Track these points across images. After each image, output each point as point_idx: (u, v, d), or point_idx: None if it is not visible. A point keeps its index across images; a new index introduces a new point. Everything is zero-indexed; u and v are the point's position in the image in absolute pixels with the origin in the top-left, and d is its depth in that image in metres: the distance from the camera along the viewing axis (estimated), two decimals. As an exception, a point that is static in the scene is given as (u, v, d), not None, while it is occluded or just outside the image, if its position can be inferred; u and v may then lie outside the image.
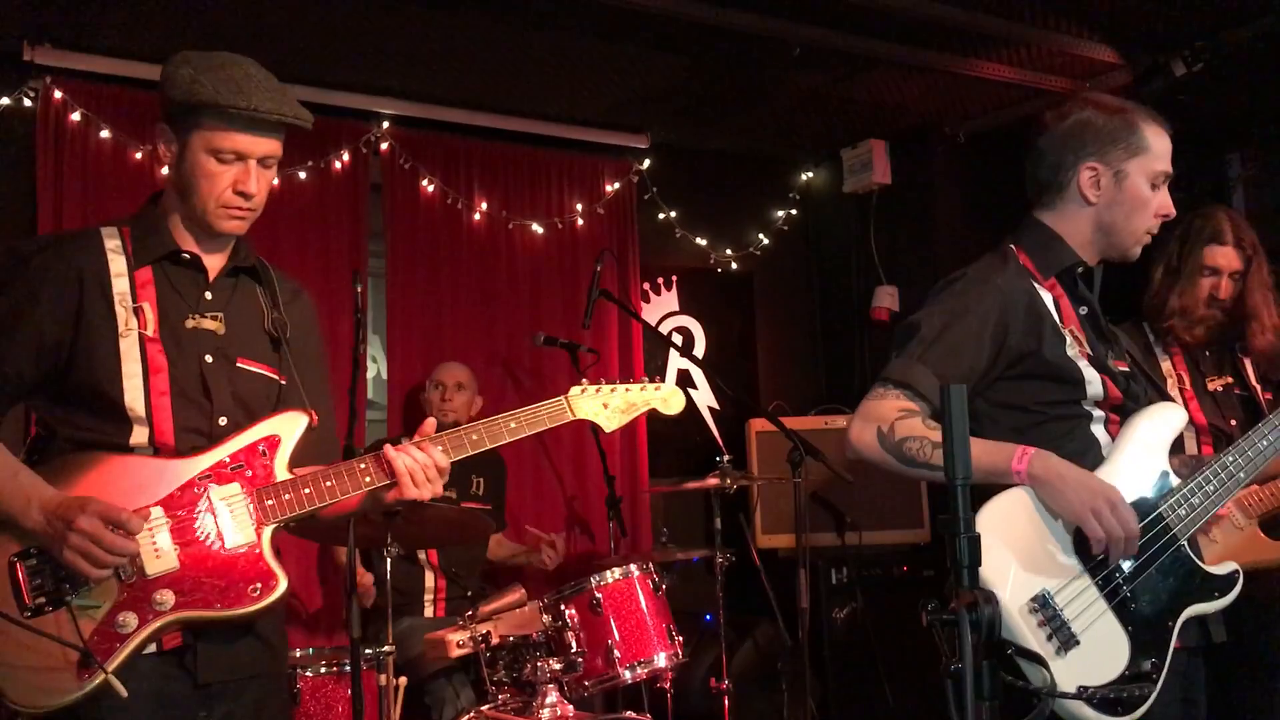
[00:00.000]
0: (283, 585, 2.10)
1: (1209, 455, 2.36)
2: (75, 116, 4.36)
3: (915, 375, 2.21)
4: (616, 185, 5.54)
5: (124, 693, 1.96)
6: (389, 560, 3.59)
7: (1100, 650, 2.06)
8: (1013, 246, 2.39)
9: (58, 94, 4.34)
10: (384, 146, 4.99)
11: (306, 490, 2.15)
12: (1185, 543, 2.19)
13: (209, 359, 2.19)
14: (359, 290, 3.76)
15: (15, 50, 4.27)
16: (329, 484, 2.16)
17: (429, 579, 4.44)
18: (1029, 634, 2.03)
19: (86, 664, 1.96)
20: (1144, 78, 4.76)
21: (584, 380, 2.42)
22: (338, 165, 4.88)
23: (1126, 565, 2.13)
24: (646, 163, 5.61)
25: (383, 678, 3.49)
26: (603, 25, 4.35)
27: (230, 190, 2.16)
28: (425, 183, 5.07)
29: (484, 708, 3.57)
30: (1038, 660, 1.96)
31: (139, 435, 2.10)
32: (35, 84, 4.33)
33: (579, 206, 5.44)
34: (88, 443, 2.11)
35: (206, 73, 2.14)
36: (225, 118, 2.13)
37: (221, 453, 2.14)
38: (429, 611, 4.41)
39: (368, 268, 4.95)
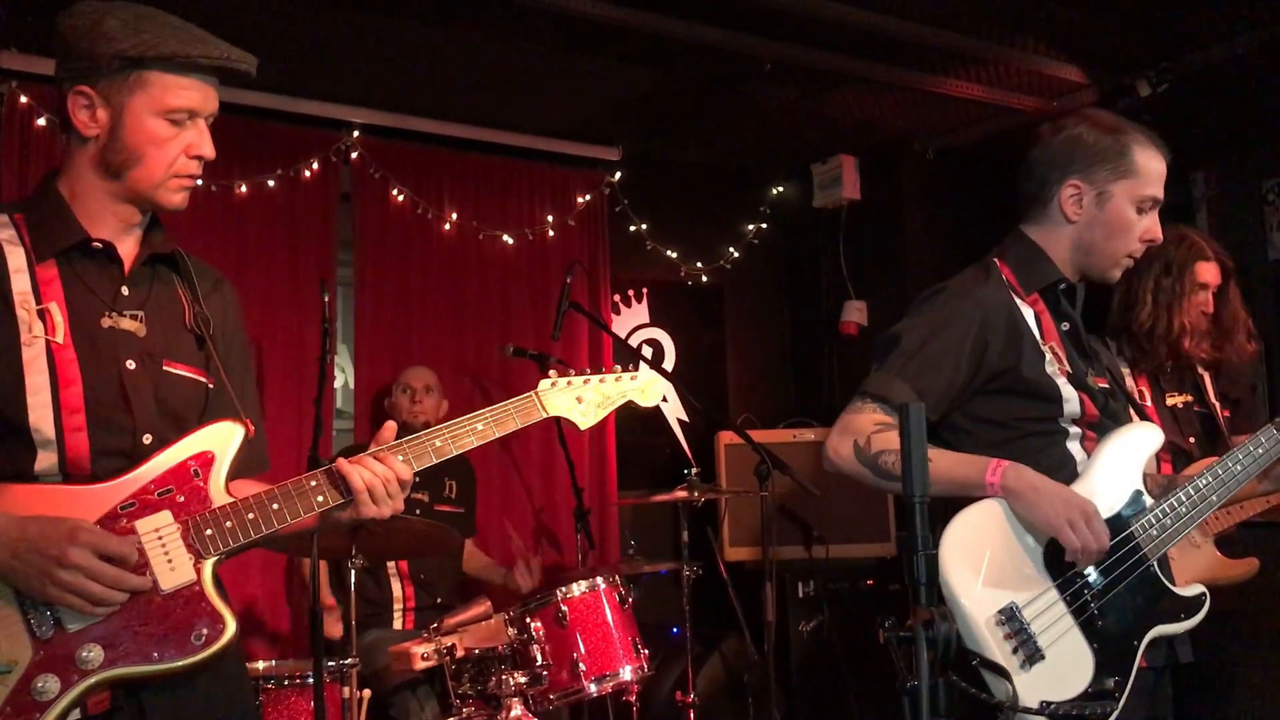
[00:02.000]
0: (231, 629, 1.79)
1: (1182, 476, 2.37)
2: (41, 121, 4.32)
3: (893, 389, 2.20)
4: (587, 197, 5.55)
5: None
6: (353, 572, 3.57)
7: (1065, 665, 2.06)
8: (996, 260, 2.38)
9: (24, 99, 4.30)
10: (354, 155, 4.97)
11: (250, 516, 1.85)
12: (1155, 563, 2.20)
13: (130, 365, 1.87)
14: (326, 300, 3.75)
15: (-19, 54, 4.23)
16: (275, 507, 1.87)
17: (397, 588, 4.42)
18: (994, 646, 2.02)
19: None
20: (1110, 98, 4.82)
21: (553, 373, 2.17)
22: (307, 174, 4.86)
23: (1096, 582, 2.14)
24: (618, 175, 5.62)
25: (346, 690, 3.47)
26: (575, 37, 4.35)
27: (184, 156, 1.90)
28: (395, 192, 5.06)
29: (448, 721, 3.56)
30: (1002, 673, 1.96)
31: (45, 461, 1.79)
32: (1, 88, 4.29)
33: (550, 218, 5.44)
34: None
35: (143, 22, 1.86)
36: (179, 71, 1.85)
37: (145, 475, 1.82)
38: (399, 623, 4.38)
39: (336, 277, 4.93)
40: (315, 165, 4.88)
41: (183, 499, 1.83)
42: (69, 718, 1.71)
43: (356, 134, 4.96)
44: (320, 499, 1.91)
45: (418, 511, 4.46)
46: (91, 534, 1.73)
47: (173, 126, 1.88)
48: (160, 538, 1.80)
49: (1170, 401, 3.20)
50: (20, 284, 1.82)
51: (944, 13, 4.31)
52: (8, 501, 1.76)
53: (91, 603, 1.72)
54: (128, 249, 1.94)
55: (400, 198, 5.07)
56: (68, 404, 1.80)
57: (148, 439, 1.87)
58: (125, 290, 1.92)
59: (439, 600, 4.36)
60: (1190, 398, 3.23)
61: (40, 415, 1.79)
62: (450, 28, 4.28)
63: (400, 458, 1.96)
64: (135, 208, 1.93)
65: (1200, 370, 3.26)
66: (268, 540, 1.91)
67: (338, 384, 5.33)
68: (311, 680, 3.28)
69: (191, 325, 1.99)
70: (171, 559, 1.80)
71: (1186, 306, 3.17)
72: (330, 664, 3.36)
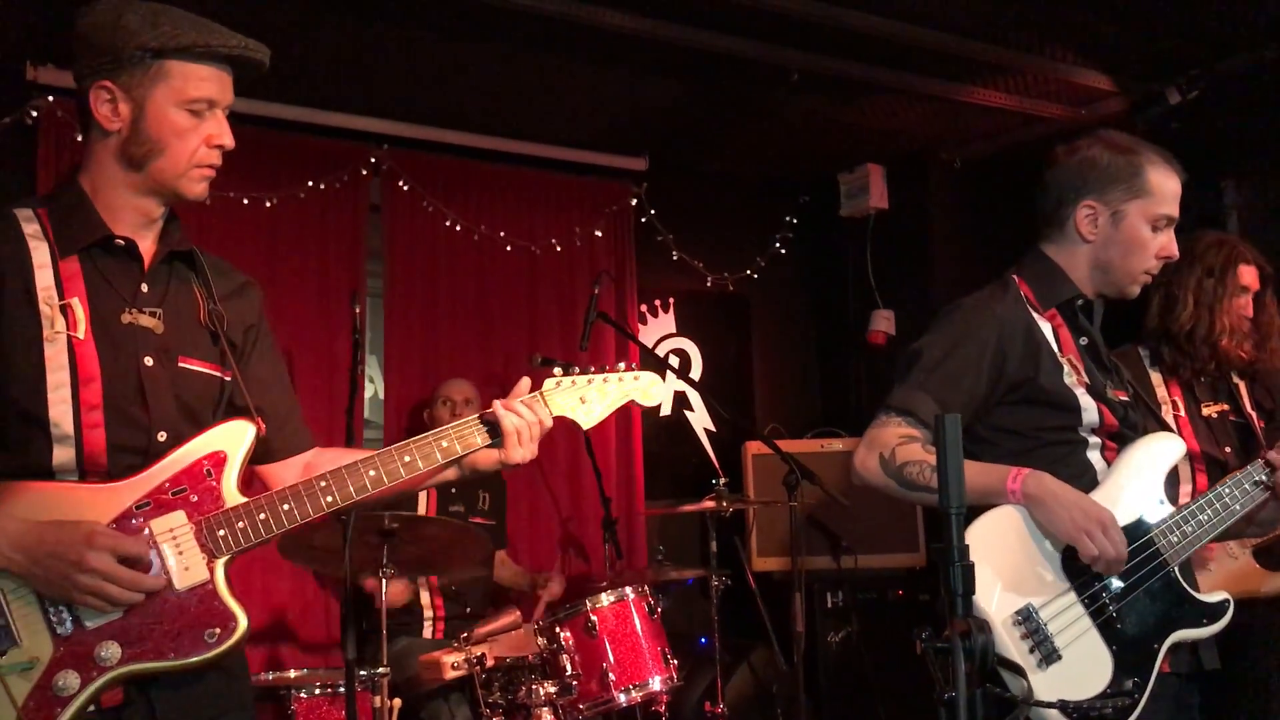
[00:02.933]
0: (243, 626, 1.82)
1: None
2: (78, 137, 4.37)
3: (916, 402, 2.27)
4: (615, 207, 5.56)
5: None
6: (384, 581, 3.60)
7: (1082, 666, 2.10)
8: (1014, 276, 2.44)
9: (59, 113, 4.36)
10: (384, 168, 5.01)
11: (262, 516, 1.87)
12: (1176, 569, 2.23)
13: (149, 361, 1.89)
14: (357, 311, 3.77)
15: (18, 70, 4.29)
16: (286, 508, 1.88)
17: (426, 598, 4.43)
18: (1011, 646, 2.08)
19: None
20: (1139, 106, 4.80)
21: (558, 371, 2.16)
22: (337, 186, 4.90)
23: (1115, 586, 2.18)
24: (644, 185, 5.64)
25: (377, 699, 3.49)
26: (602, 49, 4.38)
27: (205, 146, 1.92)
28: (424, 204, 5.09)
29: (478, 730, 3.57)
30: (1018, 671, 2.01)
31: (63, 455, 1.81)
32: (38, 103, 4.34)
33: (577, 228, 5.46)
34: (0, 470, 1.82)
35: (161, 16, 1.88)
36: (198, 60, 1.88)
37: (160, 475, 1.85)
38: (428, 632, 4.40)
39: (366, 288, 4.97)
40: (345, 178, 4.92)
41: (196, 499, 1.86)
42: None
43: (386, 147, 5.00)
44: (329, 499, 1.91)
45: None
46: (108, 537, 1.76)
47: (193, 117, 1.90)
48: (174, 537, 1.83)
49: (1206, 411, 3.18)
50: (44, 279, 1.85)
51: (971, 22, 4.30)
52: (26, 502, 1.78)
53: (109, 603, 1.76)
54: (147, 245, 1.96)
55: (429, 209, 5.10)
56: (87, 400, 1.82)
57: (162, 436, 1.89)
58: (145, 287, 1.94)
59: (468, 610, 4.38)
60: (1226, 407, 3.20)
61: (60, 410, 1.81)
62: (478, 41, 4.31)
63: (538, 404, 2.08)
64: (156, 200, 1.95)
65: (1236, 379, 3.23)
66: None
67: (367, 394, 5.37)
68: (344, 689, 3.30)
69: (206, 322, 2.00)
70: (185, 558, 1.82)
71: (1228, 307, 3.15)
72: (361, 673, 3.38)
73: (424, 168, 5.11)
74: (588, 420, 2.16)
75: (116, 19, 1.88)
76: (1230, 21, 4.31)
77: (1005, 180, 5.77)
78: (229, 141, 1.95)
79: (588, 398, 2.16)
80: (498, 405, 2.02)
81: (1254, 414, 3.21)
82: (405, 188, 5.04)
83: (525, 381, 2.11)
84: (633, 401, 2.19)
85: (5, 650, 1.73)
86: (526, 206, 5.39)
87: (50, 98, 4.35)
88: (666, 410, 5.77)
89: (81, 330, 1.84)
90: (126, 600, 1.76)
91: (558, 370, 2.16)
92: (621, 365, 2.22)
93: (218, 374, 1.99)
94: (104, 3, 1.92)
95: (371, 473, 1.93)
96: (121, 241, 1.92)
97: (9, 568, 1.74)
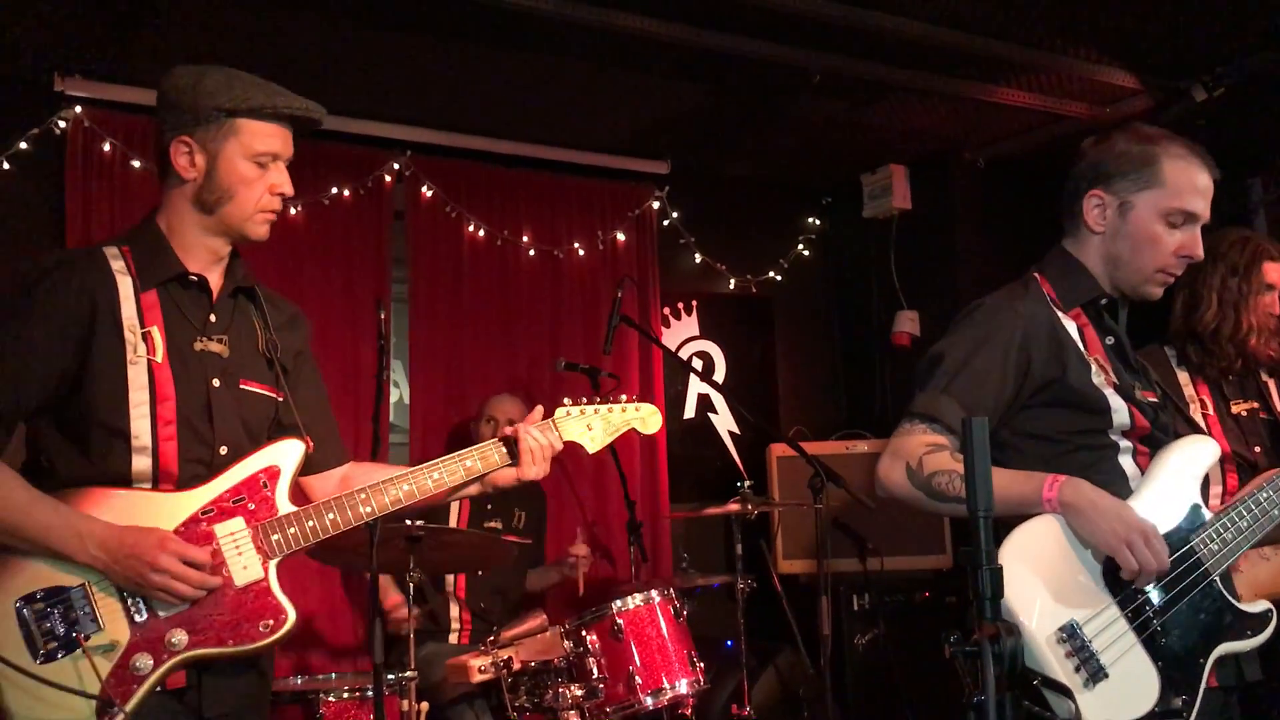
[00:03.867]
0: (292, 619, 2.09)
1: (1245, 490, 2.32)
2: (105, 147, 4.42)
3: (940, 407, 2.17)
4: (637, 211, 5.57)
5: None
6: (412, 586, 3.61)
7: (1129, 684, 2.02)
8: (1036, 275, 2.36)
9: (87, 124, 4.40)
10: (407, 174, 5.03)
11: (310, 524, 2.14)
12: (1217, 578, 2.15)
13: (216, 383, 2.18)
14: (382, 317, 3.79)
15: (46, 81, 4.34)
16: (331, 517, 2.16)
17: (454, 610, 4.44)
18: (1056, 665, 1.98)
19: (106, 710, 1.95)
20: (1164, 103, 4.77)
21: (567, 400, 2.42)
22: (361, 193, 4.93)
23: (1156, 598, 2.09)
24: (667, 189, 5.64)
25: (405, 703, 3.50)
26: (623, 53, 4.38)
27: (268, 194, 2.20)
28: (447, 209, 5.11)
29: (505, 734, 3.58)
30: (1064, 692, 1.92)
31: (141, 464, 2.08)
32: (65, 114, 4.39)
33: (600, 232, 5.47)
34: (85, 477, 2.08)
35: (235, 80, 2.18)
36: (266, 118, 2.17)
37: (221, 485, 2.13)
38: (454, 640, 4.41)
39: (391, 294, 4.99)
40: (369, 184, 4.95)
41: (253, 507, 2.13)
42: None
43: (409, 153, 5.03)
44: (367, 509, 2.17)
45: None
46: (177, 544, 2.03)
47: (259, 169, 2.18)
48: (235, 541, 2.10)
49: (1235, 409, 3.14)
50: (128, 310, 2.12)
51: (994, 21, 4.28)
52: (109, 506, 2.05)
53: (178, 597, 2.02)
54: (215, 280, 2.24)
55: (453, 215, 5.12)
56: (163, 416, 2.10)
57: (224, 450, 2.17)
58: (213, 317, 2.22)
59: (494, 627, 4.38)
60: (1255, 404, 3.16)
61: (140, 424, 2.08)
62: (500, 47, 4.33)
63: (556, 433, 2.37)
64: (224, 239, 2.23)
65: (1265, 377, 3.19)
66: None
67: (392, 399, 5.39)
68: (372, 693, 3.32)
69: (264, 350, 2.29)
70: (244, 559, 2.10)
71: (1254, 305, 3.12)
72: (389, 677, 3.40)
73: (447, 173, 5.14)
74: (593, 445, 2.42)
75: (197, 82, 2.17)
76: (1256, 18, 4.27)
77: (1029, 180, 5.75)
78: (289, 190, 2.22)
79: (593, 425, 2.43)
80: (519, 428, 2.31)
81: (1284, 412, 3.18)
82: (429, 194, 5.07)
83: (539, 409, 2.39)
84: (633, 429, 2.46)
85: (90, 634, 2.00)
86: (549, 211, 5.40)
87: (78, 108, 4.39)
88: (690, 413, 5.77)
89: (160, 355, 2.12)
90: (190, 595, 2.02)
91: (566, 400, 2.42)
92: (624, 397, 2.49)
93: (273, 395, 2.27)
94: (183, 68, 2.21)
95: (406, 487, 2.21)
96: (195, 278, 2.20)
97: (94, 564, 2.01)
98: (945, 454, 2.13)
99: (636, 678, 3.57)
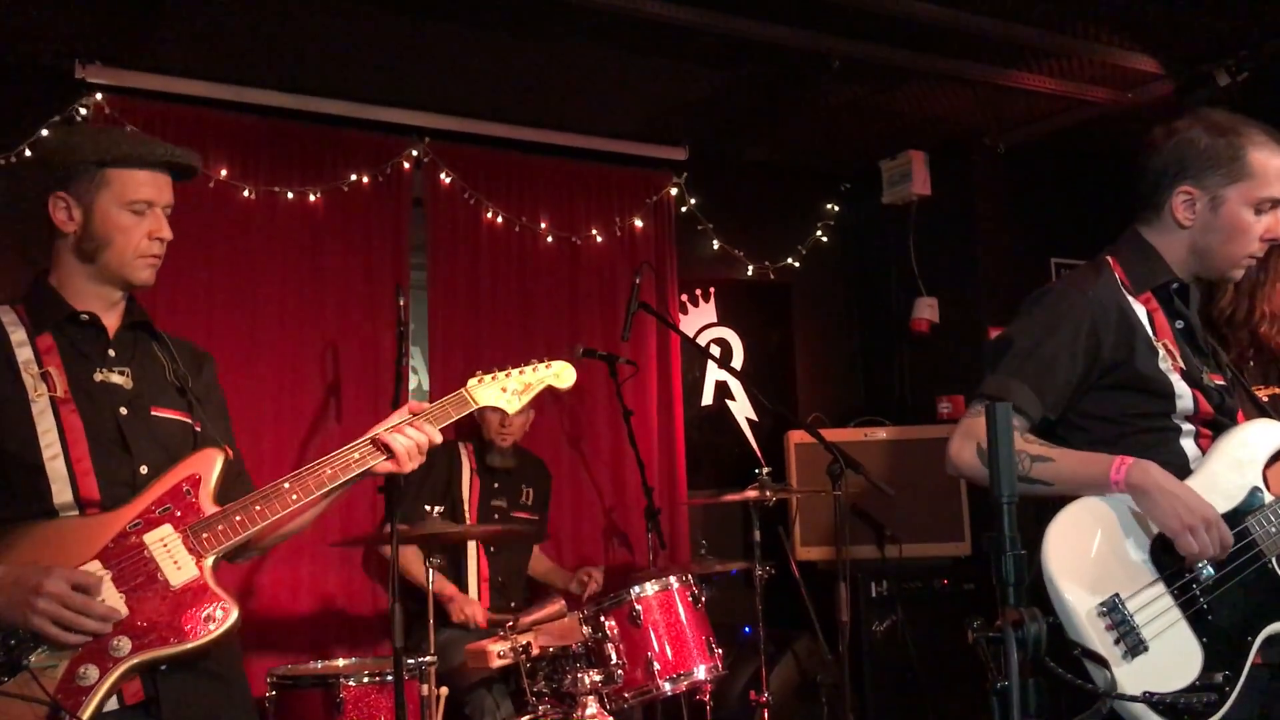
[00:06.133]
0: (235, 612, 2.13)
1: None
2: (127, 130, 4.43)
3: (1011, 390, 2.21)
4: (655, 198, 5.56)
5: None
6: (431, 570, 3.63)
7: (1170, 658, 2.06)
8: (1109, 258, 2.37)
9: (108, 111, 4.42)
10: (425, 161, 5.04)
11: (237, 518, 2.19)
12: (1273, 560, 2.17)
13: (124, 411, 2.23)
14: (401, 304, 3.80)
15: (67, 68, 4.35)
16: (258, 508, 2.20)
17: (472, 588, 4.47)
18: (1095, 638, 2.03)
19: (56, 716, 1.97)
20: (1187, 88, 4.72)
21: (479, 371, 2.52)
22: (380, 179, 4.94)
23: (1206, 577, 2.12)
24: (685, 175, 5.63)
25: (425, 688, 3.52)
26: (641, 39, 4.37)
27: (146, 239, 2.25)
28: (466, 196, 5.12)
29: (524, 718, 3.59)
30: (1102, 662, 1.97)
31: (63, 497, 2.12)
32: (86, 101, 4.40)
33: (617, 219, 5.46)
34: (13, 515, 2.12)
35: (102, 134, 2.32)
36: (135, 167, 2.24)
37: (146, 500, 2.17)
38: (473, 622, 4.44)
39: (409, 281, 5.00)
40: (388, 171, 4.95)
41: (180, 513, 2.19)
42: (108, 706, 2.03)
43: (428, 140, 5.03)
44: (294, 497, 2.22)
45: (496, 517, 4.52)
46: (62, 570, 2.03)
47: (135, 216, 2.25)
48: (165, 545, 2.15)
49: (1258, 395, 3.13)
50: (24, 354, 2.20)
51: (1014, 5, 4.25)
52: (30, 540, 2.09)
53: (63, 629, 2.00)
54: (111, 320, 2.31)
55: (471, 201, 5.13)
56: (74, 446, 2.16)
57: (144, 470, 2.21)
58: (111, 351, 2.29)
59: (513, 604, 4.41)
60: (1277, 390, 3.15)
61: (54, 462, 2.14)
62: (517, 33, 4.32)
63: (429, 425, 2.38)
64: (112, 286, 2.29)
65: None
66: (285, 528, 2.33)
67: (411, 386, 5.41)
68: (391, 678, 3.34)
69: (173, 379, 2.35)
70: (177, 561, 2.14)
71: (1269, 294, 3.11)
72: (409, 662, 3.42)
73: (465, 160, 5.14)
74: (511, 405, 2.52)
75: (66, 140, 2.30)
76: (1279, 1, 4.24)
77: (1050, 165, 5.73)
78: (168, 235, 2.29)
79: (508, 387, 2.52)
80: (381, 435, 2.32)
81: (1305, 399, 3.16)
82: (447, 180, 5.07)
83: (414, 405, 2.42)
84: (550, 386, 2.57)
85: (32, 654, 2.01)
86: (567, 198, 5.40)
87: (99, 95, 4.41)
88: (708, 400, 5.77)
89: (60, 390, 2.18)
90: (78, 625, 2.01)
91: (479, 371, 2.52)
92: (534, 360, 2.59)
93: (189, 420, 2.33)
94: (55, 130, 2.30)
95: (328, 470, 2.26)
96: (86, 316, 2.27)
97: None
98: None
99: (655, 663, 3.59)
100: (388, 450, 2.31)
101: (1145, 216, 2.38)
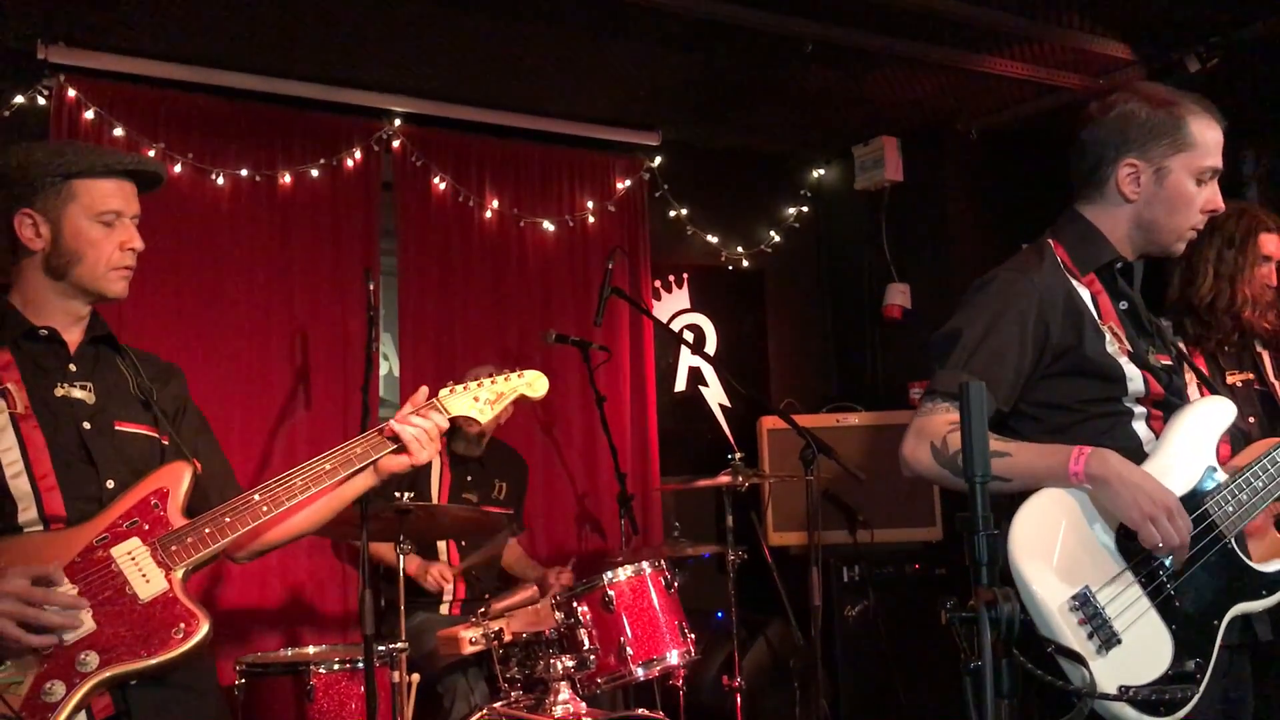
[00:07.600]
0: (206, 624, 2.09)
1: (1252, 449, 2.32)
2: (89, 115, 4.37)
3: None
4: (627, 183, 5.54)
5: None
6: (402, 557, 3.61)
7: (1143, 649, 2.03)
8: (1050, 241, 2.33)
9: (71, 92, 4.35)
10: (395, 144, 4.99)
11: (206, 530, 2.16)
12: (1232, 540, 2.15)
13: (87, 425, 2.19)
14: (371, 289, 3.77)
15: (29, 49, 4.28)
16: (227, 520, 2.18)
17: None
18: (1069, 633, 1.99)
19: None
20: (1157, 74, 4.74)
21: (450, 382, 2.51)
22: (349, 163, 4.89)
23: (1170, 563, 2.09)
24: (657, 160, 5.61)
25: (396, 674, 3.50)
26: (613, 22, 4.34)
27: (118, 251, 2.23)
28: (437, 180, 5.08)
29: (496, 705, 3.58)
30: (1078, 659, 1.93)
31: (28, 513, 2.09)
32: (49, 82, 4.34)
33: (590, 204, 5.44)
34: None
35: (64, 148, 2.25)
36: (101, 177, 2.21)
37: (113, 514, 2.14)
38: (445, 610, 4.41)
39: (380, 266, 4.96)
40: (357, 154, 4.91)
41: (147, 526, 2.15)
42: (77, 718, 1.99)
43: (398, 123, 4.99)
44: (265, 509, 2.19)
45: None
46: (19, 567, 2.00)
47: (104, 227, 2.22)
48: (133, 558, 2.11)
49: (1230, 380, 3.15)
50: None
51: (987, -10, 4.26)
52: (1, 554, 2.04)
53: (27, 629, 1.96)
54: (73, 336, 2.27)
55: (442, 186, 5.09)
56: (37, 463, 2.12)
57: (111, 484, 2.18)
58: (72, 366, 2.25)
59: (485, 595, 4.38)
60: (1250, 376, 3.17)
61: (17, 477, 2.10)
62: (489, 15, 4.28)
63: (437, 413, 2.39)
64: (81, 301, 2.26)
65: (1259, 349, 3.20)
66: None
67: (382, 372, 5.37)
68: (362, 665, 3.32)
69: (136, 392, 2.31)
70: (145, 574, 2.10)
71: (1250, 278, 3.12)
72: (380, 649, 3.40)
73: (436, 144, 5.10)
74: (484, 415, 2.48)
75: (28, 156, 2.21)
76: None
77: (1022, 151, 5.73)
78: (139, 245, 2.26)
79: (480, 397, 2.49)
80: (393, 423, 2.32)
81: (1277, 384, 3.19)
82: (418, 164, 5.03)
83: (423, 390, 2.43)
84: (522, 395, 2.53)
85: None
86: (539, 182, 5.37)
87: (61, 76, 4.34)
88: (681, 386, 5.77)
89: (21, 406, 2.14)
90: (42, 620, 1.97)
91: (450, 382, 2.50)
92: (507, 370, 2.57)
93: (155, 435, 2.28)
94: (15, 146, 2.25)
95: (299, 480, 2.23)
96: (45, 331, 2.23)
97: None
98: None
99: (628, 649, 3.58)
100: (397, 441, 2.31)
101: (1086, 194, 2.34)
